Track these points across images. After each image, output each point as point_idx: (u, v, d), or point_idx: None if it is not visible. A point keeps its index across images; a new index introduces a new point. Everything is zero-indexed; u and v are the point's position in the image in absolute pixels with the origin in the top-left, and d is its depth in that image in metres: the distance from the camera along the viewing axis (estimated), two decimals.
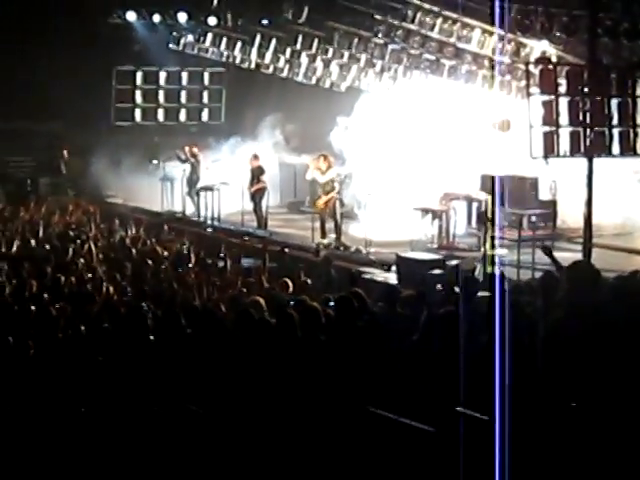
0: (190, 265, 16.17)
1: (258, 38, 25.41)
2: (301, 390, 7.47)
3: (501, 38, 19.94)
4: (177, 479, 7.58)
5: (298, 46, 24.47)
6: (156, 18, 26.13)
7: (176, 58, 28.75)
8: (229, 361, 8.33)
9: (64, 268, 14.88)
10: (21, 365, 9.23)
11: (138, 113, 30.22)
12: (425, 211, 19.68)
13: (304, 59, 25.23)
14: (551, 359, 6.91)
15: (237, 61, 26.95)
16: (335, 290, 11.49)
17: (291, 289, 13.18)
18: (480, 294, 9.47)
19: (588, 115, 15.81)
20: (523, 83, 18.52)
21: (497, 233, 18.64)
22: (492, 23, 19.35)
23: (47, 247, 17.02)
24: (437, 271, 15.36)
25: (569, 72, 16.19)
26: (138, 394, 8.38)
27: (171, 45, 27.74)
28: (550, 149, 15.77)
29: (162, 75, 30.12)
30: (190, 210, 24.24)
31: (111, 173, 26.08)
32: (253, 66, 26.68)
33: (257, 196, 22.40)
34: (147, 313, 10.12)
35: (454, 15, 20.21)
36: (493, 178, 19.60)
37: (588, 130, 15.80)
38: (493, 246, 15.65)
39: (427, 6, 20.31)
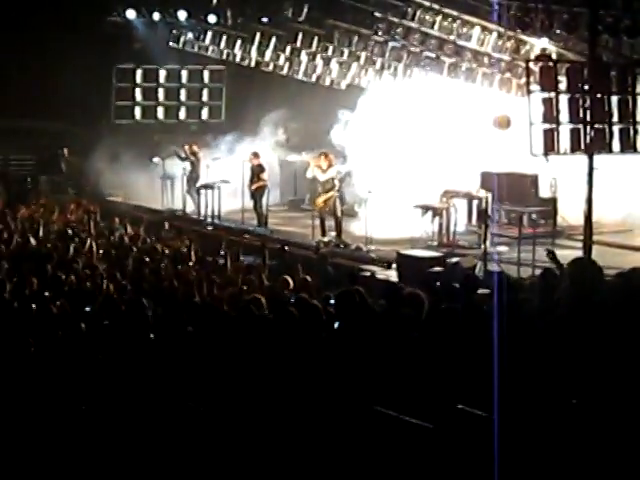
0: (190, 263, 16.19)
1: (258, 36, 25.40)
2: (301, 387, 7.47)
3: (501, 35, 19.95)
4: (179, 476, 7.58)
5: (298, 44, 24.46)
6: (156, 16, 26.10)
7: (176, 56, 28.73)
8: (230, 358, 8.33)
9: (64, 266, 14.89)
10: (22, 363, 9.23)
11: (138, 111, 30.21)
12: (425, 209, 19.68)
13: (304, 57, 25.23)
14: (551, 356, 6.91)
15: (237, 59, 26.94)
16: (332, 288, 11.47)
17: (291, 287, 13.18)
18: (480, 291, 9.49)
19: (588, 112, 15.81)
20: (523, 80, 18.53)
21: (497, 230, 18.71)
22: (492, 20, 19.39)
23: (47, 245, 17.03)
24: (437, 269, 15.37)
25: (569, 69, 16.19)
26: (139, 391, 8.38)
27: (171, 43, 27.73)
28: (550, 146, 15.78)
29: (162, 73, 30.11)
30: (190, 208, 24.25)
31: (111, 171, 26.06)
32: (253, 64, 26.67)
33: (257, 194, 22.41)
34: (147, 311, 10.13)
35: (454, 13, 20.21)
36: (493, 175, 19.69)
37: (588, 127, 15.80)
38: (493, 244, 15.68)
39: (427, 3, 20.28)
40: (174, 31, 27.31)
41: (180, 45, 27.75)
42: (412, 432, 6.46)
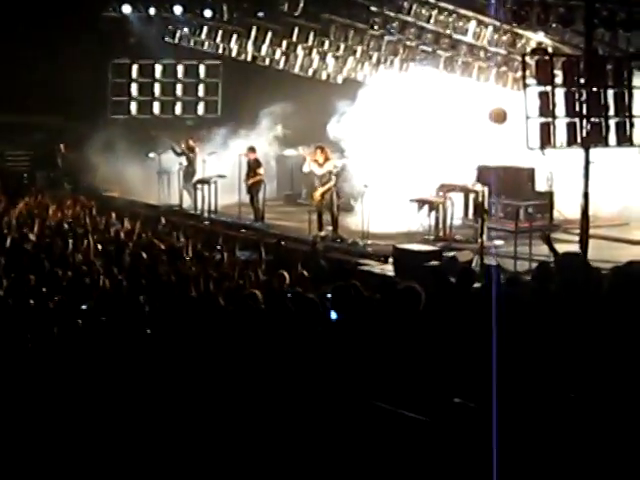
0: (187, 258, 16.18)
1: (254, 31, 25.38)
2: (298, 381, 7.48)
3: (497, 29, 19.95)
4: (179, 472, 7.58)
5: (294, 38, 24.47)
6: (152, 11, 26.10)
7: (172, 51, 28.74)
8: (227, 353, 8.33)
9: (61, 262, 14.87)
10: (19, 359, 9.23)
11: (134, 106, 30.17)
12: (422, 202, 19.69)
13: (300, 51, 25.22)
14: (547, 348, 6.92)
15: (233, 54, 26.92)
16: (325, 282, 11.45)
17: (288, 281, 13.17)
18: (477, 285, 9.49)
19: (584, 106, 15.83)
20: (519, 74, 18.56)
21: (494, 224, 18.72)
22: (488, 14, 19.39)
23: (44, 241, 17.01)
24: (434, 263, 15.36)
25: (565, 63, 16.19)
26: (136, 386, 8.39)
27: (167, 38, 27.75)
28: (546, 140, 15.78)
29: (158, 68, 30.07)
30: (187, 203, 24.25)
31: (108, 167, 26.04)
32: (249, 59, 26.66)
33: (254, 189, 22.41)
34: (144, 306, 10.14)
35: (450, 7, 20.20)
36: (490, 169, 19.71)
37: (584, 121, 15.82)
38: (490, 237, 15.68)
39: None
40: (170, 26, 27.32)
41: (176, 40, 27.76)
42: (409, 426, 6.47)
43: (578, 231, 16.26)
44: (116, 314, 10.16)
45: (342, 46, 23.98)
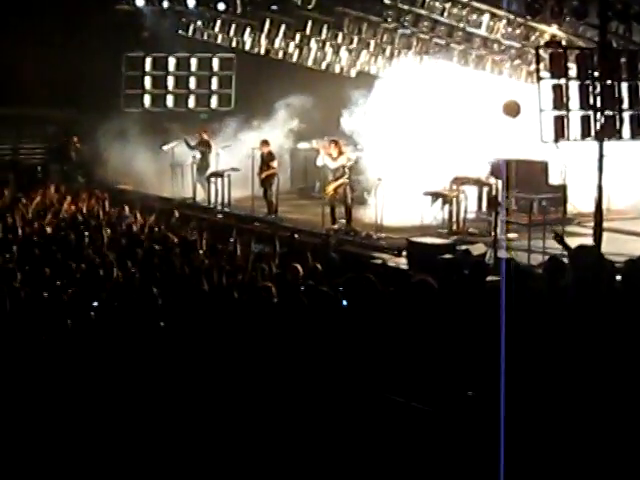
0: (200, 251, 16.20)
1: (267, 24, 25.37)
2: (311, 374, 7.49)
3: (511, 22, 19.91)
4: (189, 463, 7.61)
5: (307, 32, 24.46)
6: (165, 4, 26.07)
7: (185, 44, 28.71)
8: (240, 345, 8.35)
9: (75, 255, 14.92)
10: (33, 351, 9.27)
11: (147, 99, 30.15)
12: (435, 196, 19.69)
13: (313, 45, 25.21)
14: (558, 343, 6.92)
15: (246, 47, 26.91)
16: (336, 275, 11.44)
17: (301, 274, 13.17)
18: (490, 278, 9.49)
19: (598, 99, 15.79)
20: (533, 67, 18.51)
21: (507, 218, 18.68)
22: (502, 7, 19.35)
23: (58, 233, 17.06)
24: (448, 256, 15.35)
25: (579, 56, 16.16)
26: (149, 379, 8.41)
27: (180, 31, 27.72)
28: (560, 133, 15.77)
29: (171, 61, 30.03)
30: (200, 196, 24.27)
31: (121, 159, 26.08)
32: (262, 52, 26.64)
33: (267, 182, 22.42)
34: (157, 299, 10.15)
35: None
36: (503, 162, 19.68)
37: (598, 114, 15.79)
38: (503, 231, 15.66)
39: None
40: (183, 19, 27.30)
41: (189, 33, 27.75)
42: (419, 417, 6.48)
43: (592, 224, 16.24)
44: (129, 307, 10.18)
45: (355, 39, 23.95)
